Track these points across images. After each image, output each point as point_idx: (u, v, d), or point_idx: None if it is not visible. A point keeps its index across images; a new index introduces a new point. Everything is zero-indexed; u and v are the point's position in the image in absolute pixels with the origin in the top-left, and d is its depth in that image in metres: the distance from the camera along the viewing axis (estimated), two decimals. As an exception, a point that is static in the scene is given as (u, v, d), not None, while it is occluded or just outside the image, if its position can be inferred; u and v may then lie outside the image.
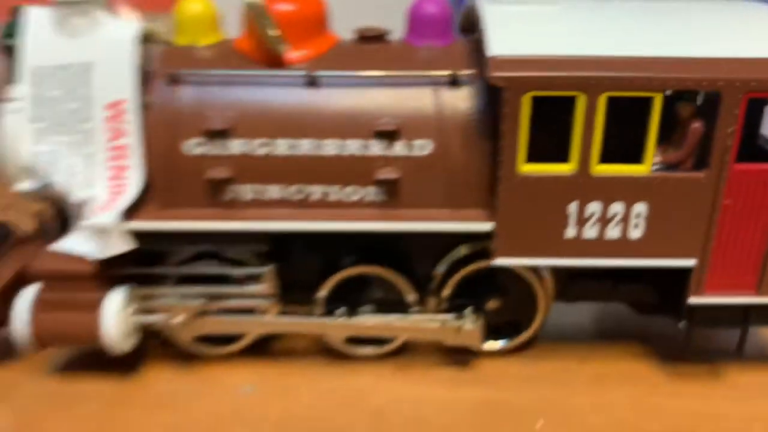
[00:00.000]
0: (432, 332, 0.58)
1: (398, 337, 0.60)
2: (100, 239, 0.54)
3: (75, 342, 0.57)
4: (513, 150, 0.50)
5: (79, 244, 0.56)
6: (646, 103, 0.50)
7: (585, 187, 0.52)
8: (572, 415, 0.56)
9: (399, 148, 0.53)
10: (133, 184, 0.55)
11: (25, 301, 0.56)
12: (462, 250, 0.58)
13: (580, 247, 0.53)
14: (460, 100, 0.53)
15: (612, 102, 0.50)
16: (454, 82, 0.53)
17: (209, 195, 0.54)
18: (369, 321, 0.58)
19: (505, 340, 0.62)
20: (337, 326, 0.58)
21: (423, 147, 0.53)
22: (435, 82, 0.54)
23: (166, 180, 0.54)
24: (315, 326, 0.59)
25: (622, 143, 0.52)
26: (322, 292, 0.59)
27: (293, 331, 0.60)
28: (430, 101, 0.53)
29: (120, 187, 0.55)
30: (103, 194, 0.54)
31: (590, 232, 0.53)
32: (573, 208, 0.52)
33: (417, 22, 0.56)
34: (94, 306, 0.55)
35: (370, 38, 0.57)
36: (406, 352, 0.63)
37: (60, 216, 0.64)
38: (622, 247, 0.53)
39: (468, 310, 0.58)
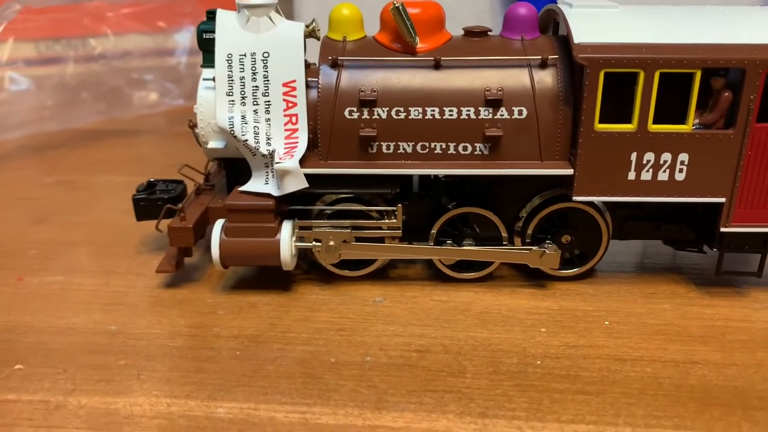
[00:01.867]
0: (521, 257, 0.76)
1: (495, 261, 0.78)
2: (282, 180, 0.72)
3: (256, 262, 0.76)
4: (591, 113, 0.68)
5: (260, 186, 0.75)
6: (689, 77, 0.68)
7: (642, 141, 0.69)
8: (631, 318, 0.73)
9: (502, 113, 0.71)
10: (302, 142, 0.73)
11: (217, 230, 0.75)
12: (546, 195, 0.76)
13: (638, 187, 0.71)
14: (548, 77, 0.72)
15: (663, 77, 0.68)
16: (543, 64, 0.72)
17: (359, 149, 0.73)
18: (473, 249, 0.76)
19: (575, 268, 0.79)
20: (450, 252, 0.76)
21: (520, 112, 0.71)
22: (530, 64, 0.72)
23: (328, 138, 0.73)
24: (433, 251, 0.77)
25: (671, 108, 0.69)
26: (434, 229, 0.77)
27: (414, 256, 0.78)
28: (526, 78, 0.71)
29: (292, 144, 0.74)
30: (281, 149, 0.73)
31: (646, 175, 0.70)
32: (633, 157, 0.70)
33: (512, 21, 0.75)
34: (273, 233, 0.74)
35: (476, 33, 0.76)
36: (494, 278, 0.81)
37: (226, 171, 0.83)
38: (670, 187, 0.71)
39: (548, 242, 0.76)
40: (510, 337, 0.69)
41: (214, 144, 0.77)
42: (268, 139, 0.74)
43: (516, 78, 0.72)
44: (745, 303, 0.76)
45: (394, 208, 0.76)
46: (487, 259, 0.77)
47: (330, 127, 0.73)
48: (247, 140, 0.73)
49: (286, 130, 0.74)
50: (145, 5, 1.56)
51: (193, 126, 0.79)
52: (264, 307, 0.75)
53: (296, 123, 0.74)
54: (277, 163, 0.72)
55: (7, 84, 1.50)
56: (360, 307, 0.75)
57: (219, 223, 0.76)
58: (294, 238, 0.76)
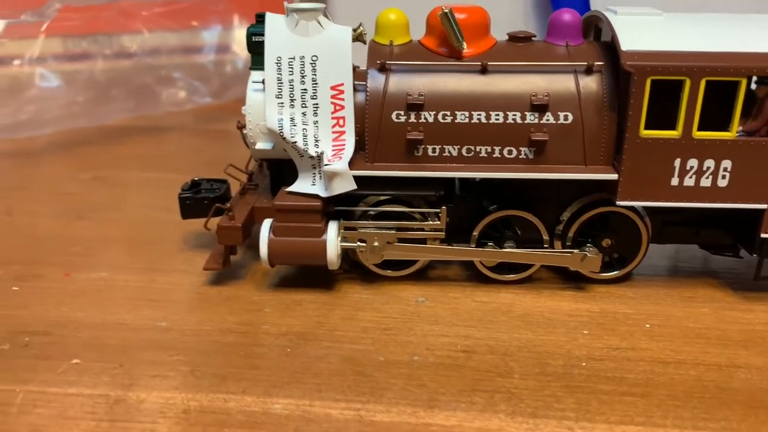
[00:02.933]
0: (562, 259, 0.77)
1: (536, 263, 0.79)
2: (330, 182, 0.74)
3: (303, 261, 0.77)
4: (637, 119, 0.70)
5: (308, 187, 0.76)
6: (734, 85, 0.68)
7: (687, 147, 0.70)
8: (671, 321, 0.74)
9: (548, 118, 0.72)
10: (349, 144, 0.75)
11: (265, 229, 0.77)
12: (587, 199, 0.77)
13: (681, 192, 0.72)
14: (593, 83, 0.73)
15: (709, 84, 0.69)
16: (589, 70, 0.73)
17: (405, 152, 0.74)
18: (515, 251, 0.78)
19: (614, 271, 0.81)
20: (492, 254, 0.77)
21: (566, 117, 0.72)
22: (575, 70, 0.73)
23: (375, 141, 0.74)
24: (475, 253, 0.78)
25: (714, 114, 0.70)
26: (476, 231, 0.79)
27: (457, 258, 0.80)
28: (572, 84, 0.73)
29: (340, 146, 0.75)
30: (329, 151, 0.75)
31: (689, 181, 0.72)
32: (677, 163, 0.71)
33: (557, 27, 0.76)
34: (320, 233, 0.76)
35: (520, 39, 0.77)
36: (534, 280, 0.82)
37: (270, 172, 0.85)
38: (712, 193, 0.72)
39: (589, 245, 0.77)
40: (554, 339, 0.70)
41: (262, 145, 0.79)
42: (317, 141, 0.75)
43: (562, 83, 0.73)
44: (783, 308, 0.77)
45: (438, 210, 0.77)
46: (528, 262, 0.78)
47: (377, 129, 0.74)
48: (295, 142, 0.75)
49: (333, 132, 0.75)
50: (178, 4, 1.58)
51: (241, 127, 0.80)
52: (309, 306, 0.77)
53: (344, 125, 0.75)
54: (326, 165, 0.73)
55: (37, 80, 1.52)
56: (403, 307, 0.76)
57: (267, 223, 0.78)
58: (339, 239, 0.77)
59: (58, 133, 1.44)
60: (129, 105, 1.55)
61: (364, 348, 0.68)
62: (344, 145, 0.75)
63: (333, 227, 0.77)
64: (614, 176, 0.72)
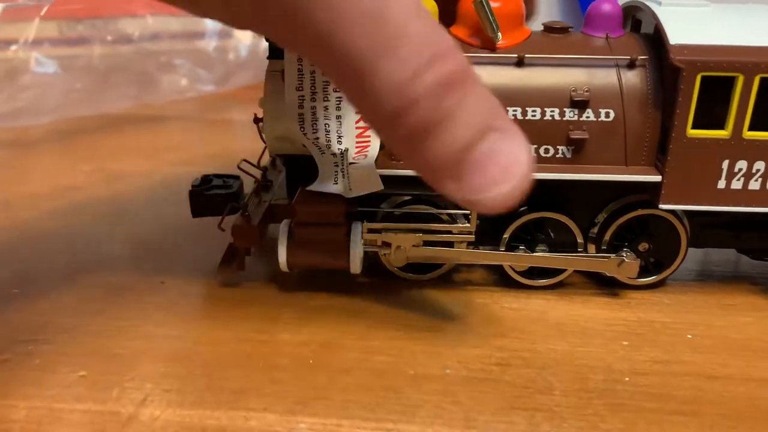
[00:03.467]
0: (598, 264, 0.73)
1: (569, 268, 0.75)
2: (354, 181, 0.69)
3: (324, 265, 0.73)
4: (685, 118, 0.65)
5: (329, 186, 0.71)
6: (791, 83, 0.64)
7: (736, 148, 0.66)
8: (713, 331, 0.70)
9: (588, 115, 0.68)
10: (375, 141, 0.70)
11: (284, 231, 0.72)
12: (625, 200, 0.73)
13: (727, 196, 0.68)
14: (637, 79, 0.68)
15: (763, 82, 0.64)
16: (632, 64, 0.68)
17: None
18: (548, 255, 0.73)
19: (650, 276, 0.76)
20: (524, 258, 0.73)
21: (608, 114, 0.68)
22: (618, 64, 0.68)
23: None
24: (505, 258, 0.74)
25: (764, 114, 0.66)
26: (507, 233, 0.74)
27: (486, 261, 0.75)
28: (614, 78, 0.68)
29: (364, 143, 0.70)
30: (353, 148, 0.70)
31: (737, 184, 0.67)
32: (725, 165, 0.67)
33: (596, 18, 0.71)
34: (342, 236, 0.71)
35: (556, 30, 0.72)
36: (565, 286, 0.78)
37: (286, 168, 0.80)
38: (761, 197, 0.68)
39: (627, 249, 0.73)
40: (592, 351, 0.66)
41: (277, 145, 0.74)
42: (339, 137, 0.70)
43: (603, 78, 0.68)
44: (828, 316, 0.74)
45: (467, 211, 0.72)
46: (562, 267, 0.74)
47: None
48: (317, 138, 0.70)
49: (357, 128, 0.70)
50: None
51: (258, 120, 0.75)
52: (330, 312, 0.72)
53: None
54: (351, 163, 0.69)
55: (33, 66, 1.46)
56: (430, 315, 0.72)
57: (285, 225, 0.73)
58: (362, 242, 0.73)
59: (56, 122, 1.38)
60: (129, 93, 1.49)
61: (392, 360, 0.64)
62: (369, 141, 0.70)
63: (356, 230, 0.72)
64: (657, 178, 0.68)
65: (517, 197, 0.49)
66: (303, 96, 0.70)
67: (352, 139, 0.70)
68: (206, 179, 0.84)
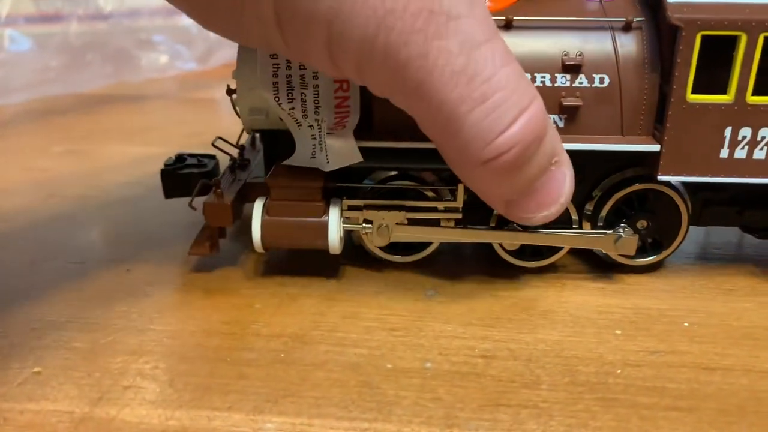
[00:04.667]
0: (594, 241, 0.68)
1: (564, 245, 0.70)
2: (332, 153, 0.64)
3: (300, 244, 0.68)
4: (684, 81, 0.60)
5: (306, 160, 0.66)
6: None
7: (740, 114, 0.61)
8: (712, 319, 0.66)
9: (581, 81, 0.63)
10: (354, 111, 0.65)
11: (258, 208, 0.67)
12: (626, 174, 0.68)
13: (730, 166, 0.63)
14: (632, 42, 0.63)
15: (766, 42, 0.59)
16: (627, 26, 0.63)
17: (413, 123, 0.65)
18: (540, 233, 0.68)
19: (651, 256, 0.72)
20: (514, 236, 0.68)
21: (602, 80, 0.63)
22: (612, 27, 0.64)
23: (383, 108, 0.63)
24: (495, 236, 0.69)
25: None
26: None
27: (475, 240, 0.71)
28: (609, 42, 0.63)
29: (343, 113, 0.65)
30: (331, 119, 0.65)
31: (740, 153, 0.63)
32: (728, 132, 0.62)
33: (589, -20, 0.66)
34: (320, 213, 0.67)
35: None
36: (557, 270, 0.74)
37: (264, 145, 0.75)
38: (767, 166, 0.63)
39: (624, 225, 0.69)
40: (583, 341, 0.62)
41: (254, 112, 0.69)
42: (317, 107, 0.65)
43: (597, 42, 0.63)
44: (834, 301, 0.69)
45: (453, 187, 0.68)
46: (555, 244, 0.70)
47: None
48: (293, 108, 0.65)
49: (336, 98, 0.65)
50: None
51: (231, 92, 0.70)
52: (306, 301, 0.68)
53: (347, 90, 0.65)
54: (328, 133, 0.64)
55: (6, 43, 1.41)
56: (412, 303, 0.68)
57: (260, 202, 0.68)
58: (342, 219, 0.68)
59: (29, 102, 1.33)
60: (106, 71, 1.44)
61: (368, 353, 0.60)
62: (348, 111, 0.65)
63: (335, 206, 0.68)
64: (656, 147, 0.63)
65: (556, 216, 0.58)
66: (278, 64, 0.65)
67: (330, 110, 0.65)
68: (180, 158, 0.79)
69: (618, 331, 0.64)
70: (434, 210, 0.69)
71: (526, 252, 0.72)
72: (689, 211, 0.70)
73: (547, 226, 0.67)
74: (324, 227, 0.67)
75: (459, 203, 0.68)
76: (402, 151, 0.66)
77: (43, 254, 0.77)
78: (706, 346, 0.62)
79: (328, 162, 0.66)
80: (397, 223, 0.68)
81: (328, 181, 0.67)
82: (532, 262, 0.72)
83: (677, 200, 0.69)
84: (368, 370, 0.58)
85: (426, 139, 0.60)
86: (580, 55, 0.63)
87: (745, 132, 0.62)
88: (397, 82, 0.50)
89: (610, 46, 0.63)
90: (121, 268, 0.74)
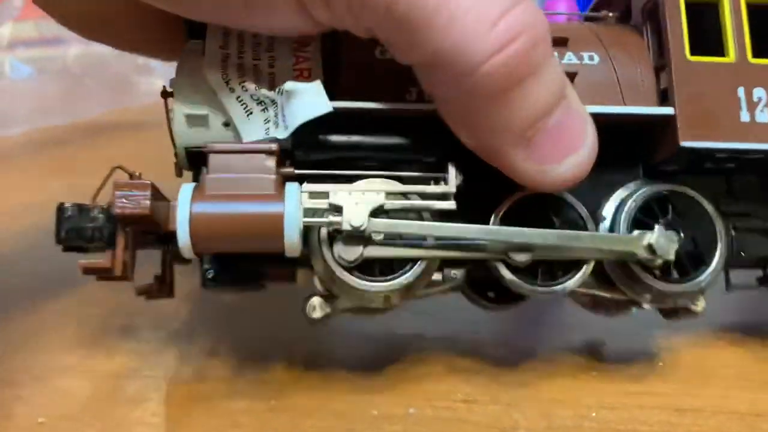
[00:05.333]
0: (623, 243, 0.56)
1: (586, 261, 0.57)
2: (293, 109, 0.53)
3: (246, 244, 0.52)
4: (680, 44, 0.57)
5: (259, 134, 0.54)
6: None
7: (747, 74, 0.57)
8: (686, 357, 0.68)
9: (570, 58, 0.60)
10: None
11: (185, 198, 0.50)
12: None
13: (758, 130, 0.57)
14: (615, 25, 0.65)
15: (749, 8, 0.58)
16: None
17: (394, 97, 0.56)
18: (558, 233, 0.55)
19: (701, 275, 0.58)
20: (526, 234, 0.55)
21: (591, 57, 0.60)
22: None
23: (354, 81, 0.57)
24: (503, 233, 0.56)
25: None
26: (498, 214, 0.57)
27: (475, 237, 0.57)
28: (586, 28, 0.63)
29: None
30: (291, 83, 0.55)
31: (762, 116, 0.57)
32: (741, 92, 0.57)
33: None
34: (274, 198, 0.50)
35: None
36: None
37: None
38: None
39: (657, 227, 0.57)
40: (560, 382, 0.65)
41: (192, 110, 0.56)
42: (272, 81, 0.56)
43: (576, 28, 0.64)
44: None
45: (439, 174, 0.55)
46: (575, 252, 0.56)
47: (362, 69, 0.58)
48: (244, 85, 0.56)
49: (296, 69, 0.57)
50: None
51: (168, 95, 0.59)
52: (283, 343, 0.69)
53: (309, 77, 0.57)
54: (289, 84, 0.53)
55: (8, 71, 1.43)
56: (395, 338, 0.70)
57: (187, 187, 0.51)
58: (302, 208, 0.52)
59: (28, 133, 1.34)
60: (105, 97, 1.46)
61: (355, 398, 0.62)
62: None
63: (292, 191, 0.52)
64: (669, 110, 0.56)
65: (587, 171, 0.49)
66: (228, 53, 0.57)
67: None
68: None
69: (594, 373, 0.66)
70: (421, 195, 0.55)
71: (536, 273, 0.57)
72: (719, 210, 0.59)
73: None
74: (278, 219, 0.50)
75: (452, 187, 0.54)
76: (375, 124, 0.55)
77: (45, 296, 0.79)
78: (680, 386, 0.65)
79: (285, 127, 0.53)
80: (374, 209, 0.52)
81: (283, 161, 0.54)
82: (543, 288, 0.57)
83: (705, 205, 0.59)
84: (354, 417, 0.60)
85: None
86: (563, 32, 0.60)
87: (760, 93, 0.57)
88: None
89: (589, 30, 0.62)
90: (121, 312, 0.76)
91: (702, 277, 0.58)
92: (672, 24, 0.58)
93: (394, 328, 0.73)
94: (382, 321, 0.73)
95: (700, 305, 0.60)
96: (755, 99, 0.57)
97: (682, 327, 0.73)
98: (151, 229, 0.53)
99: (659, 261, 0.55)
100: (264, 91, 0.55)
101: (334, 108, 0.51)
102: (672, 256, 0.55)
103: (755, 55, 0.58)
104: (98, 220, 0.53)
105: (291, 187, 0.52)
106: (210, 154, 0.52)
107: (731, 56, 0.58)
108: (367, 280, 0.54)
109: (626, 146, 0.60)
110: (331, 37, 0.57)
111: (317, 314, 0.57)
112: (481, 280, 0.61)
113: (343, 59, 0.58)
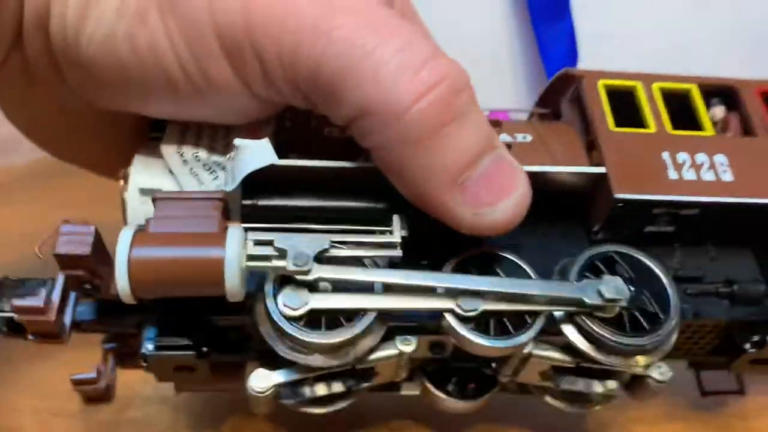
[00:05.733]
0: (575, 291, 0.54)
1: (537, 313, 0.54)
2: (238, 161, 0.53)
3: (187, 288, 0.50)
4: (603, 118, 0.60)
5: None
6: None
7: (669, 141, 0.60)
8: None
9: (504, 137, 0.61)
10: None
11: (124, 243, 0.49)
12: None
13: (685, 185, 0.58)
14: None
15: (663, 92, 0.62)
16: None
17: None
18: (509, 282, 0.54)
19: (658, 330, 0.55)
20: (482, 282, 0.53)
21: (525, 137, 0.63)
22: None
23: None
24: (453, 280, 0.55)
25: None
26: (449, 266, 0.56)
27: (425, 284, 0.56)
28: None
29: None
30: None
31: (689, 174, 0.58)
32: (666, 156, 0.59)
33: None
34: (215, 241, 0.49)
35: None
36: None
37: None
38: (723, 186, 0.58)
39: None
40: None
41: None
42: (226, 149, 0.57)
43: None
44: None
45: (387, 228, 0.54)
46: (528, 298, 0.54)
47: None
48: (197, 153, 0.56)
49: None
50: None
51: (124, 177, 0.57)
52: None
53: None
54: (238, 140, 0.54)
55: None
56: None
57: (127, 231, 0.50)
58: (245, 252, 0.50)
59: (35, 161, 1.34)
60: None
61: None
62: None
63: (235, 235, 0.50)
64: (602, 169, 0.58)
65: (521, 215, 0.50)
66: (188, 126, 0.58)
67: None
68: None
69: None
70: (370, 233, 0.54)
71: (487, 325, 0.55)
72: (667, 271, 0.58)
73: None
74: (219, 264, 0.49)
75: (397, 237, 0.54)
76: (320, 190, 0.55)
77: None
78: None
79: (233, 177, 0.53)
80: (322, 252, 0.51)
81: (226, 209, 0.53)
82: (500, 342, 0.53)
83: (646, 259, 0.58)
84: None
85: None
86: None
87: (684, 157, 0.59)
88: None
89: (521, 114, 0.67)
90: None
91: (661, 330, 0.55)
92: (592, 102, 0.61)
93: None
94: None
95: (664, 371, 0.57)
96: (680, 161, 0.59)
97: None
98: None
99: (610, 307, 0.54)
100: (215, 158, 0.56)
101: (280, 164, 0.52)
102: (623, 301, 0.54)
103: (675, 127, 0.61)
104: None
105: (234, 230, 0.51)
106: (156, 200, 0.52)
107: (652, 128, 0.61)
108: (314, 333, 0.52)
109: (568, 216, 0.61)
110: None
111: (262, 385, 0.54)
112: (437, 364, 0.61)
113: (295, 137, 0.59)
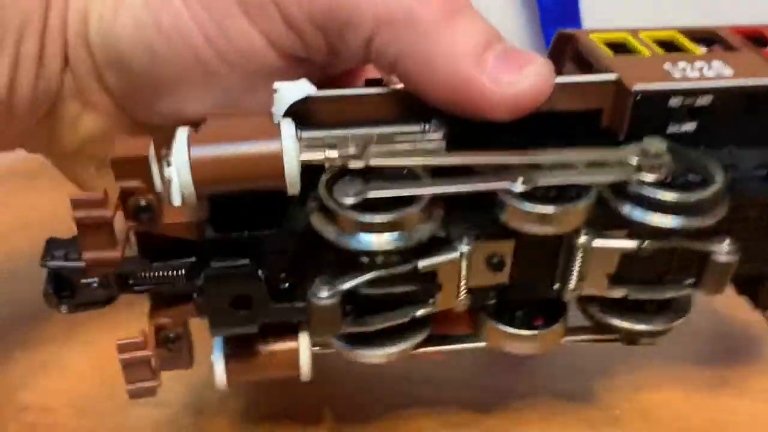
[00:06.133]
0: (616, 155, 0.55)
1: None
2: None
3: (248, 179, 0.50)
4: (599, 50, 0.64)
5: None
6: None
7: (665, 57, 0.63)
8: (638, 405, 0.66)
9: None
10: None
11: (182, 134, 0.49)
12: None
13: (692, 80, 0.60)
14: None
15: None
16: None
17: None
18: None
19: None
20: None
21: None
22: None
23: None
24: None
25: None
26: None
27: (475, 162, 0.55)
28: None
29: None
30: None
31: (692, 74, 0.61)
32: (668, 66, 0.61)
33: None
34: (271, 134, 0.50)
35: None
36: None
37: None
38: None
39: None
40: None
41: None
42: None
43: None
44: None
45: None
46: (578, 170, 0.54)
47: None
48: None
49: None
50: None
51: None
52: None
53: None
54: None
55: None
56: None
57: (183, 132, 0.49)
58: (300, 144, 0.51)
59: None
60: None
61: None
62: None
63: (287, 126, 0.51)
64: (615, 75, 0.59)
65: (549, 84, 0.52)
66: None
67: None
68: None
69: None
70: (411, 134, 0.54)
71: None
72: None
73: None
74: (278, 155, 0.49)
75: (439, 133, 0.54)
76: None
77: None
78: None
79: (275, 117, 0.53)
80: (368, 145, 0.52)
81: None
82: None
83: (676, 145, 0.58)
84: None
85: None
86: None
87: (683, 64, 0.63)
88: None
89: None
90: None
91: (714, 186, 0.56)
92: (590, 47, 0.65)
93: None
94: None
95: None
96: (681, 67, 0.62)
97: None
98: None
99: (656, 165, 0.55)
100: None
101: (316, 95, 0.53)
102: (666, 155, 0.55)
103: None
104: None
105: (286, 123, 0.51)
106: (208, 117, 0.52)
107: (646, 54, 0.65)
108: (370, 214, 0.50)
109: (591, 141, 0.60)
110: None
111: (324, 294, 0.52)
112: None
113: None
